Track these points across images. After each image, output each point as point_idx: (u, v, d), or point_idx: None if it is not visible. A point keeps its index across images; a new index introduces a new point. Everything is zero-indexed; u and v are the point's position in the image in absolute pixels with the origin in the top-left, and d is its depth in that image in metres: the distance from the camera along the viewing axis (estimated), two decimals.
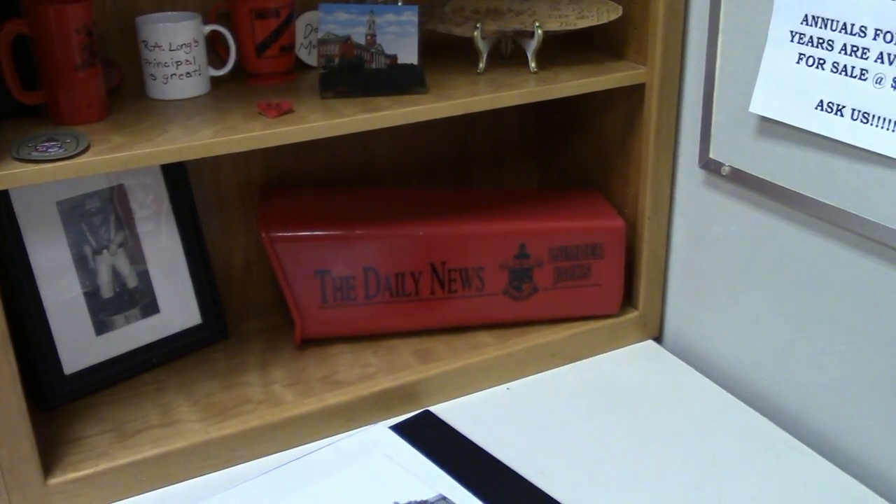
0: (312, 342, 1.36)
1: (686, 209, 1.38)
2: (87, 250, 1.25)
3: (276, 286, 1.32)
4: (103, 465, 1.13)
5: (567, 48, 1.40)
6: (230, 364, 1.33)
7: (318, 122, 1.11)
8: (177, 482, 1.17)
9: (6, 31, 1.06)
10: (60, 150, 1.02)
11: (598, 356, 1.41)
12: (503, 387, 1.35)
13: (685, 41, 1.30)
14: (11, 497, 1.07)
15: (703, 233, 1.36)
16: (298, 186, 1.45)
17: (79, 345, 1.25)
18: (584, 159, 1.49)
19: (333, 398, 1.25)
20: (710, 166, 1.29)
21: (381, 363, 1.32)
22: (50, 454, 1.13)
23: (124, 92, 1.24)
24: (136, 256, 1.29)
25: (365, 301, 1.33)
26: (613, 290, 1.40)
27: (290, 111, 1.14)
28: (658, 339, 1.48)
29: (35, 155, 1.00)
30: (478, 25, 1.26)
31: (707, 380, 1.36)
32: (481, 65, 1.28)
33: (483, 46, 1.28)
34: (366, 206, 1.38)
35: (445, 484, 1.15)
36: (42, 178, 0.99)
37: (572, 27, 1.27)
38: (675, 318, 1.45)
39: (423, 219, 1.33)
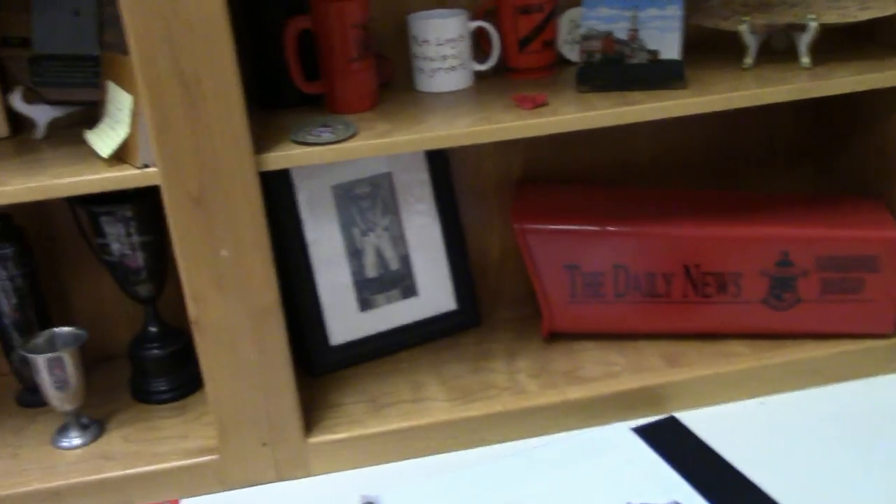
0: (560, 336, 1.37)
1: None
2: (356, 232, 1.35)
3: (529, 278, 1.34)
4: (357, 432, 1.21)
5: (845, 43, 1.30)
6: (479, 350, 1.37)
7: (571, 115, 1.12)
8: (420, 456, 1.22)
9: (293, 26, 1.17)
10: (332, 135, 1.11)
11: (865, 379, 1.29)
12: (756, 401, 1.28)
13: None
14: (276, 449, 1.18)
15: None
16: (555, 182, 1.46)
17: (344, 319, 1.35)
18: (865, 164, 1.38)
19: (576, 393, 1.25)
20: None
21: (626, 363, 1.30)
22: (311, 416, 1.24)
23: (395, 85, 1.32)
24: (399, 241, 1.37)
25: (614, 299, 1.32)
26: (888, 307, 1.28)
27: (544, 104, 1.16)
28: None
29: (309, 138, 1.10)
30: (745, 19, 1.21)
31: None
32: (748, 60, 1.23)
33: (751, 41, 1.22)
34: (621, 203, 1.37)
35: (682, 492, 1.11)
36: (313, 160, 1.09)
37: (852, 19, 1.18)
38: None
39: (679, 218, 1.30)
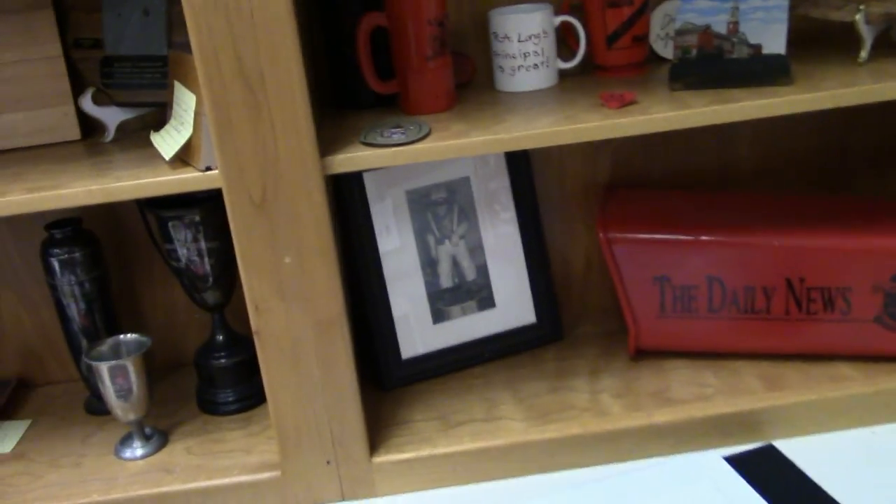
0: (647, 353, 1.27)
1: None
2: (431, 240, 1.28)
3: (615, 291, 1.25)
4: (426, 451, 1.14)
5: None
6: (560, 367, 1.28)
7: (663, 114, 1.03)
8: (492, 479, 1.15)
9: (366, 22, 1.11)
10: (402, 136, 1.04)
11: None
12: (866, 430, 1.16)
13: None
14: (340, 469, 1.12)
15: None
16: (645, 187, 1.37)
17: (417, 331, 1.28)
18: None
19: (663, 416, 1.15)
20: None
21: (720, 385, 1.20)
22: (378, 433, 1.17)
23: (475, 85, 1.25)
24: (477, 249, 1.30)
25: (707, 314, 1.22)
26: None
27: (633, 102, 1.07)
28: None
29: (379, 140, 1.04)
30: (861, 8, 1.09)
31: None
32: (863, 54, 1.11)
33: (867, 32, 1.10)
34: (717, 210, 1.26)
35: None
36: (382, 163, 1.03)
37: None
38: None
39: (782, 227, 1.19)
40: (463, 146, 1.02)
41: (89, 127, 1.22)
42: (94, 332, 1.25)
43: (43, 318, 1.35)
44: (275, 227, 1.02)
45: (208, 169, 1.01)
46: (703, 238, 1.19)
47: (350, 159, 1.02)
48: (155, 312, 1.38)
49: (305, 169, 1.00)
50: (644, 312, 1.24)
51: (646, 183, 1.37)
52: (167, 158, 1.03)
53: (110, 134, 1.19)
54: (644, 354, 1.27)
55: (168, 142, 1.05)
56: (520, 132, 1.03)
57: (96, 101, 1.17)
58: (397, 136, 1.04)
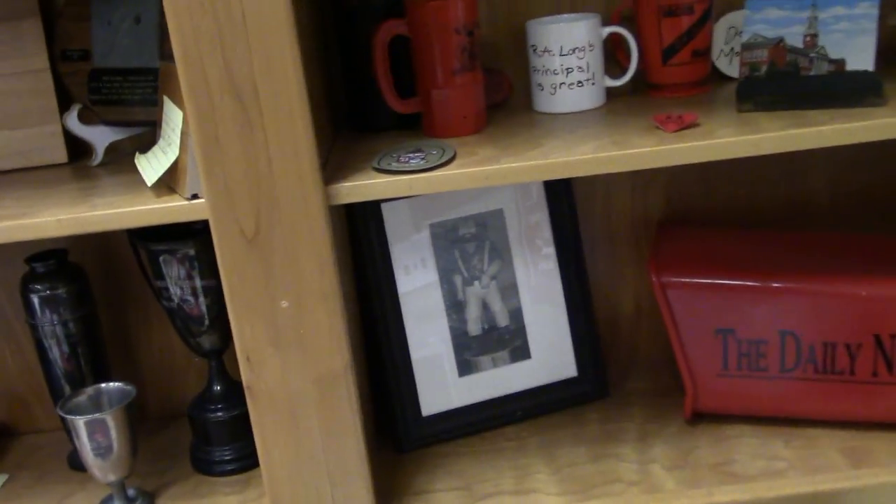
0: (707, 417, 1.10)
1: None
2: (458, 280, 1.13)
3: (670, 343, 1.08)
4: None
5: None
6: (604, 429, 1.11)
7: (729, 139, 0.87)
8: None
9: (384, 31, 0.97)
10: (422, 162, 0.89)
11: None
12: None
13: None
14: None
15: None
16: (705, 225, 1.20)
17: (440, 384, 1.12)
18: None
19: (726, 495, 0.97)
20: None
21: (794, 458, 1.02)
22: None
23: (511, 105, 1.10)
24: (510, 291, 1.14)
25: (779, 374, 1.04)
26: None
27: (694, 125, 0.91)
28: None
29: (395, 166, 0.89)
30: None
31: None
32: None
33: None
34: (790, 252, 1.09)
35: None
36: (397, 192, 0.88)
37: None
38: None
39: (869, 274, 1.01)
40: (491, 174, 0.87)
41: (79, 148, 1.10)
42: (78, 378, 1.11)
43: (28, 360, 1.22)
44: (270, 265, 0.87)
45: (195, 197, 0.87)
46: (775, 285, 1.02)
47: (359, 188, 0.87)
48: (150, 357, 1.24)
49: (306, 198, 0.85)
50: (704, 369, 1.06)
51: (704, 220, 1.20)
52: (149, 184, 0.89)
53: (98, 157, 1.06)
54: (703, 418, 1.10)
55: (153, 165, 0.91)
56: (559, 158, 0.87)
57: (83, 119, 1.05)
58: (415, 162, 0.89)
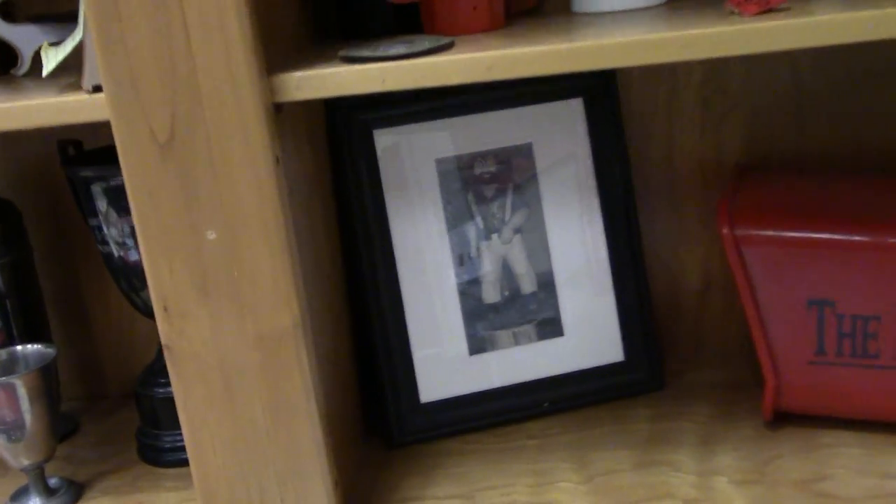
0: (793, 418, 0.83)
1: None
2: (471, 232, 0.88)
3: (745, 320, 0.82)
4: None
5: None
6: (655, 430, 0.86)
7: (829, 16, 0.61)
8: None
9: None
10: (403, 48, 0.66)
11: None
12: None
13: None
14: None
15: None
16: (794, 170, 0.93)
17: (445, 364, 0.88)
18: None
19: None
20: None
21: None
22: None
23: (546, 10, 0.86)
24: (538, 251, 0.90)
25: (893, 363, 0.77)
26: None
27: (781, 8, 0.65)
28: None
29: (367, 53, 0.66)
30: None
31: None
32: None
33: None
34: None
35: None
36: (363, 85, 0.64)
37: None
38: None
39: None
40: (496, 62, 0.63)
41: (11, 57, 0.89)
42: (6, 338, 0.91)
43: None
44: (191, 181, 0.64)
45: (97, 90, 0.65)
46: (890, 240, 0.75)
47: (312, 79, 0.64)
48: (108, 324, 1.03)
49: (238, 90, 0.62)
50: (791, 354, 0.80)
51: (795, 164, 0.94)
52: (44, 74, 0.68)
53: (25, 63, 0.86)
54: (787, 419, 0.83)
55: (57, 54, 0.70)
56: (591, 41, 0.63)
57: (7, 16, 0.84)
58: (396, 49, 0.66)
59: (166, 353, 0.68)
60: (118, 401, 1.04)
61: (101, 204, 0.82)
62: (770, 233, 0.79)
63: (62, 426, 0.94)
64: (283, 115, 0.67)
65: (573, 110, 0.89)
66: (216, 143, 0.63)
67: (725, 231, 0.79)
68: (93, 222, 0.85)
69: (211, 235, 0.65)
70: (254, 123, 0.63)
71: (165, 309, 0.67)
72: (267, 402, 0.69)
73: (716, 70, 0.91)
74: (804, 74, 0.90)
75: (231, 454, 0.70)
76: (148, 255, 0.66)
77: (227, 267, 0.66)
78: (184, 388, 0.69)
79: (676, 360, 0.97)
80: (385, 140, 0.86)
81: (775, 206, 0.82)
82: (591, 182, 0.90)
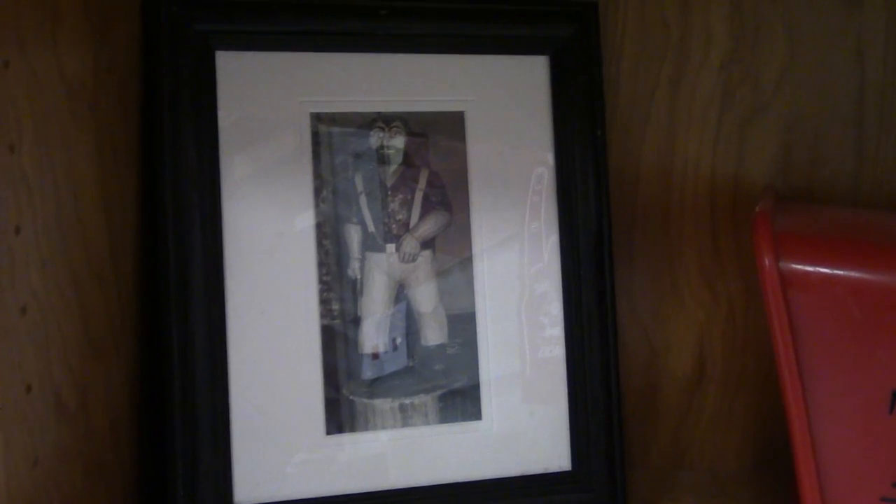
0: None
1: None
2: (354, 235, 0.56)
3: (760, 417, 0.50)
4: None
5: None
6: None
7: None
8: None
9: None
10: None
11: None
12: None
13: None
14: None
15: None
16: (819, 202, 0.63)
17: (284, 447, 0.53)
18: None
19: None
20: None
21: None
22: None
23: None
24: (456, 281, 0.57)
25: None
26: None
27: None
28: None
29: None
30: None
31: None
32: None
33: None
34: None
35: None
36: None
37: None
38: None
39: None
40: None
41: None
42: None
43: None
44: None
45: None
46: None
47: None
48: None
49: None
50: (856, 485, 0.48)
51: (823, 195, 0.64)
52: None
53: None
54: None
55: None
56: None
57: None
58: None
59: None
60: None
61: None
62: (833, 271, 0.47)
63: None
64: None
65: (532, 72, 0.58)
66: None
67: (765, 262, 0.47)
68: None
69: None
70: None
71: None
72: None
73: (745, 44, 0.62)
74: (868, 73, 0.62)
75: None
76: None
77: None
78: None
79: (647, 480, 0.63)
80: (231, 67, 0.53)
81: (829, 237, 0.51)
82: (548, 186, 0.59)
